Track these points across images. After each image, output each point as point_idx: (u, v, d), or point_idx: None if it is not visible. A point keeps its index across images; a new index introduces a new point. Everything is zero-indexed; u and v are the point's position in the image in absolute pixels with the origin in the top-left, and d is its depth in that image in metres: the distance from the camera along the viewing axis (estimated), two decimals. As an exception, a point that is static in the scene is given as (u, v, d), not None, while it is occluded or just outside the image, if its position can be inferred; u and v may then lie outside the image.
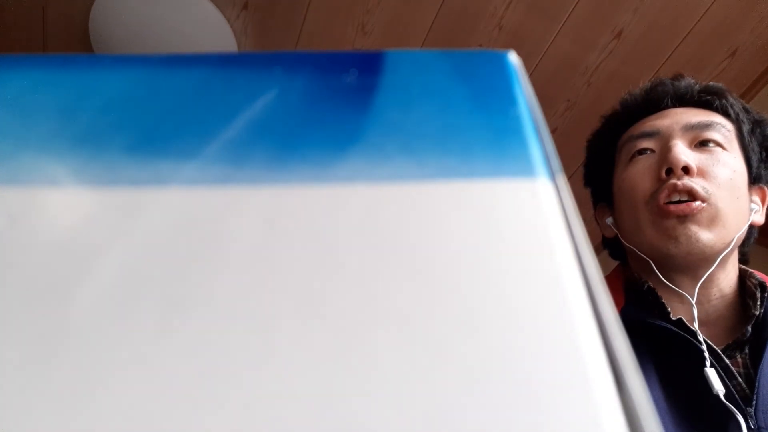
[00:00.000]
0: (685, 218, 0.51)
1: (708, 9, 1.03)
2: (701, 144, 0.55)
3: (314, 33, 1.11)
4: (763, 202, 0.58)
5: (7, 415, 0.08)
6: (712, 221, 0.51)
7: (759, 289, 0.53)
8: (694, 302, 0.53)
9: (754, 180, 0.57)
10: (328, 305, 0.09)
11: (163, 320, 0.09)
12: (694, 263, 0.53)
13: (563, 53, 1.12)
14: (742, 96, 1.15)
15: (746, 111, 0.59)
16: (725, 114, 0.57)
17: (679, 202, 0.52)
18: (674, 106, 0.59)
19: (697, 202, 0.51)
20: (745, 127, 0.57)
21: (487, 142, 0.12)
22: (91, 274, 0.09)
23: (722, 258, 0.53)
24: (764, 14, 1.03)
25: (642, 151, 0.57)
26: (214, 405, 0.08)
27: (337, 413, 0.08)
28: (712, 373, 0.46)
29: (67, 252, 0.10)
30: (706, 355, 0.48)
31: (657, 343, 0.50)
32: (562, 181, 0.12)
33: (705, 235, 0.51)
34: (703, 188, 0.52)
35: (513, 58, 0.14)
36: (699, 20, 1.05)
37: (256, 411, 0.08)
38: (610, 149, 0.63)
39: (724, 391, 0.45)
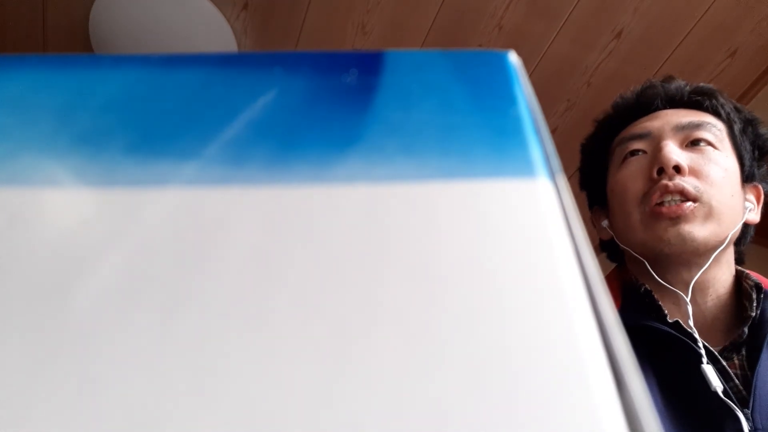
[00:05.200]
0: (677, 219, 0.51)
1: (708, 9, 1.03)
2: (692, 144, 0.55)
3: (314, 33, 1.11)
4: (758, 200, 0.58)
5: (7, 414, 0.08)
6: (706, 218, 0.52)
7: (755, 291, 0.53)
8: (688, 300, 0.53)
9: (747, 178, 0.57)
10: (327, 305, 0.09)
11: (162, 320, 0.09)
12: (688, 260, 0.53)
13: (563, 53, 1.12)
14: (742, 96, 1.15)
15: (737, 110, 0.59)
16: (716, 114, 0.58)
17: (671, 202, 0.52)
18: (665, 107, 0.59)
19: (689, 203, 0.51)
20: (737, 126, 0.57)
21: (487, 142, 0.12)
22: (91, 274, 0.09)
23: (716, 256, 0.53)
24: (764, 14, 1.03)
25: (633, 153, 0.57)
26: (213, 404, 0.08)
27: (337, 413, 0.08)
28: (709, 370, 0.47)
29: (67, 252, 0.10)
30: (703, 351, 0.48)
31: (654, 345, 0.50)
32: (562, 181, 0.12)
33: (699, 233, 0.51)
34: (695, 187, 0.52)
35: (513, 58, 0.14)
36: (699, 20, 1.05)
37: (256, 410, 0.08)
38: (603, 153, 0.63)
39: (722, 387, 0.45)
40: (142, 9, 1.04)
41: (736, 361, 0.50)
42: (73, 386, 0.08)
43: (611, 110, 0.64)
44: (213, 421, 0.08)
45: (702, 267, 0.53)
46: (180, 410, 0.08)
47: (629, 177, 0.56)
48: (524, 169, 0.11)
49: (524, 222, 0.10)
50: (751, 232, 0.59)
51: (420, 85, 0.13)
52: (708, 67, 1.12)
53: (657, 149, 0.55)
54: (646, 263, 0.54)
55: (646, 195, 0.54)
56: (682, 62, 1.11)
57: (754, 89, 1.15)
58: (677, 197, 0.52)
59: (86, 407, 0.08)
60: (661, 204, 0.52)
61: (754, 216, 0.57)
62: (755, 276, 0.56)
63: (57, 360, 0.08)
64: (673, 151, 0.53)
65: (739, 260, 0.59)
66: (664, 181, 0.52)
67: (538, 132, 0.12)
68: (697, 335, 0.49)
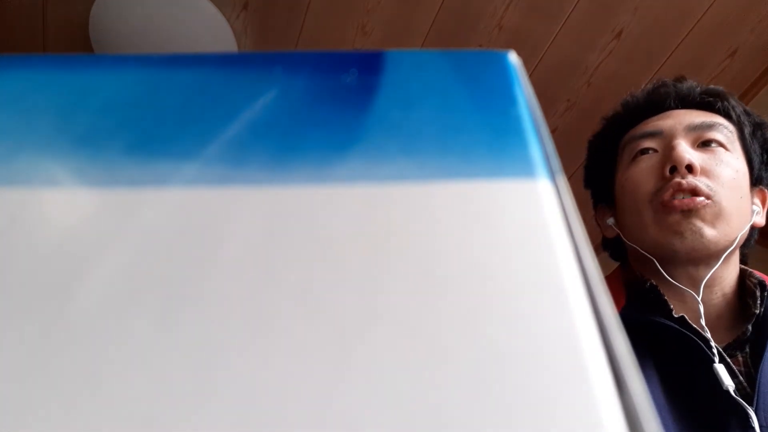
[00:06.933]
0: (689, 213, 0.52)
1: (708, 9, 1.03)
2: (704, 144, 0.56)
3: (314, 33, 1.11)
4: (763, 204, 0.59)
5: (7, 414, 0.08)
6: (716, 218, 0.52)
7: (759, 288, 0.53)
8: (699, 299, 0.53)
9: (755, 182, 0.58)
10: (327, 305, 0.09)
11: (162, 320, 0.09)
12: (698, 260, 0.53)
13: (563, 53, 1.12)
14: (742, 96, 1.15)
15: (747, 114, 0.60)
16: (727, 116, 0.58)
17: (683, 197, 0.52)
18: (676, 107, 0.59)
19: (701, 198, 0.52)
20: (747, 129, 0.58)
21: (487, 142, 0.12)
22: (91, 274, 0.09)
23: (725, 257, 0.53)
24: (764, 14, 1.03)
25: (645, 151, 0.57)
26: (213, 404, 0.08)
27: (338, 413, 0.08)
28: (721, 369, 0.47)
29: (67, 252, 0.10)
30: (715, 350, 0.48)
31: (658, 341, 0.51)
32: (562, 181, 0.12)
33: (709, 232, 0.51)
34: (707, 186, 0.52)
35: (513, 58, 0.14)
36: (699, 20, 1.05)
37: (256, 410, 0.08)
38: (611, 150, 0.63)
39: (734, 386, 0.46)
40: (142, 9, 1.04)
41: (740, 359, 0.50)
42: (73, 386, 0.08)
43: (621, 108, 0.64)
44: (213, 421, 0.08)
45: (712, 267, 0.53)
46: (180, 410, 0.08)
47: (641, 174, 0.56)
48: (524, 169, 0.11)
49: (524, 222, 0.10)
50: (755, 235, 0.60)
51: (420, 85, 0.13)
52: (708, 67, 1.12)
53: (669, 148, 0.55)
54: (656, 261, 0.54)
55: (657, 193, 0.54)
56: (682, 62, 1.11)
57: (754, 89, 1.15)
58: (689, 195, 0.52)
59: (86, 407, 0.08)
60: (673, 199, 0.53)
61: (761, 219, 0.58)
62: (758, 274, 0.56)
63: (57, 360, 0.08)
64: (686, 150, 0.54)
65: (742, 261, 0.59)
66: (677, 179, 0.53)
67: (538, 132, 0.12)
68: (709, 335, 0.49)
